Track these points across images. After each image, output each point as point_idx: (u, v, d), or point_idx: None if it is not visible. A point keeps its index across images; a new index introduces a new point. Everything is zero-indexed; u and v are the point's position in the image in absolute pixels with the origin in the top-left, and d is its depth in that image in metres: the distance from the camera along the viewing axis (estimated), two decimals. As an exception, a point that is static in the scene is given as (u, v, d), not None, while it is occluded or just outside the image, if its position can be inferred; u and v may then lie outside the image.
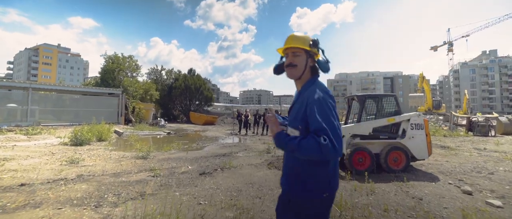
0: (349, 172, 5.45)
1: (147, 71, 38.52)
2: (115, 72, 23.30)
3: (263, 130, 17.07)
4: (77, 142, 9.92)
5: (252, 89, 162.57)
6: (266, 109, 17.82)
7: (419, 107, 45.08)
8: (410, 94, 42.38)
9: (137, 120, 21.43)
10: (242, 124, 17.51)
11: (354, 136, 5.93)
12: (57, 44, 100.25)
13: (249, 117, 17.70)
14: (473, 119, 16.10)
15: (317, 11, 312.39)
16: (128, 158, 7.32)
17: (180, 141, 12.32)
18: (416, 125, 5.98)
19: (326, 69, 1.55)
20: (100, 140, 11.46)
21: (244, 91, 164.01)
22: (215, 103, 63.25)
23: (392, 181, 5.15)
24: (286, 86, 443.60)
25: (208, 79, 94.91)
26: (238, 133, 17.09)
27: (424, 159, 6.09)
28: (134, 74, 26.43)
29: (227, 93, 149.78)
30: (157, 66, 38.67)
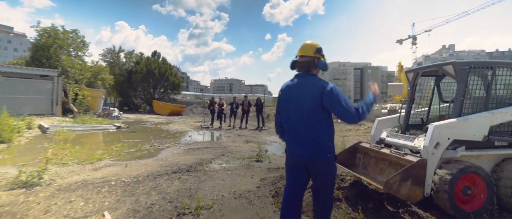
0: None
1: (102, 52, 32.91)
2: (51, 49, 18.17)
3: (241, 122, 13.86)
4: None
5: (224, 78, 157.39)
6: (245, 96, 14.53)
7: (395, 97, 45.07)
8: (389, 83, 41.93)
9: (81, 110, 16.90)
10: (215, 115, 14.10)
11: (455, 144, 2.96)
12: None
13: (224, 106, 14.32)
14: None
15: (289, 2, 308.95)
16: (-6, 187, 3.67)
17: (129, 140, 8.66)
18: (559, 120, 3.19)
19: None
20: (-2, 140, 7.41)
21: (215, 80, 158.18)
22: (184, 92, 58.50)
23: None
24: (257, 76, 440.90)
25: (178, 67, 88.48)
26: (210, 126, 13.70)
27: None
28: (80, 53, 21.31)
29: (197, 82, 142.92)
30: (114, 48, 33.09)
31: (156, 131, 12.01)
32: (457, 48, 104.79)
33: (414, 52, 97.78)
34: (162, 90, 32.21)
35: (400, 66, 39.60)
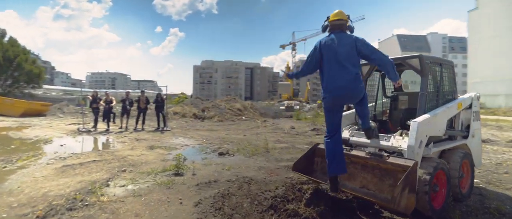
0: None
1: None
2: None
3: (137, 123, 11.38)
4: None
5: (105, 71, 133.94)
6: (142, 91, 12.03)
7: (283, 95, 50.69)
8: (280, 82, 46.55)
9: None
10: (101, 115, 11.03)
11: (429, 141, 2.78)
12: None
13: (114, 103, 11.40)
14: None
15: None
16: None
17: None
18: (476, 114, 3.60)
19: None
20: None
21: (93, 73, 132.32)
22: (48, 86, 45.53)
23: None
24: (146, 71, 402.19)
25: (38, 54, 68.15)
26: (93, 129, 10.56)
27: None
28: None
29: (67, 74, 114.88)
30: None
31: None
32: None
33: (293, 56, 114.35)
34: (9, 82, 23.54)
35: (288, 67, 44.73)
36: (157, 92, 13.82)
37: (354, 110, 3.73)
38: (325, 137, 2.83)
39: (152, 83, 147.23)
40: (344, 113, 3.80)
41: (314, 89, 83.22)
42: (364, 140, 3.11)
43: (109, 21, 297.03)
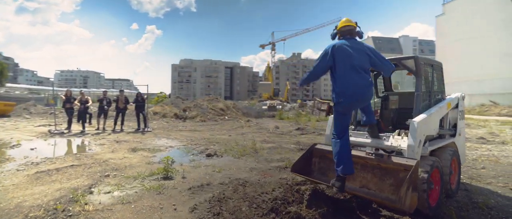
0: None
1: None
2: None
3: (115, 123, 10.85)
4: None
5: (76, 69, 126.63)
6: (121, 91, 11.44)
7: (264, 94, 50.88)
8: (260, 82, 46.66)
9: None
10: (75, 115, 10.35)
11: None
12: None
13: (90, 103, 10.74)
14: (332, 104, 17.96)
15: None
16: None
17: None
18: (462, 113, 3.77)
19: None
20: None
21: (62, 71, 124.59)
22: (11, 84, 42.18)
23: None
24: (121, 69, 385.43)
25: (-5, 48, 62.82)
26: (67, 131, 9.88)
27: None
28: None
29: (32, 71, 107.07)
30: None
31: (-42, 144, 7.25)
32: (303, 56, 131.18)
33: (273, 56, 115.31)
34: (-34, 80, 21.43)
35: (268, 68, 45.00)
36: (137, 91, 13.26)
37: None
38: (332, 138, 2.82)
39: (127, 82, 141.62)
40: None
41: (293, 89, 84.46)
42: (363, 139, 3.14)
43: (80, 16, 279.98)
